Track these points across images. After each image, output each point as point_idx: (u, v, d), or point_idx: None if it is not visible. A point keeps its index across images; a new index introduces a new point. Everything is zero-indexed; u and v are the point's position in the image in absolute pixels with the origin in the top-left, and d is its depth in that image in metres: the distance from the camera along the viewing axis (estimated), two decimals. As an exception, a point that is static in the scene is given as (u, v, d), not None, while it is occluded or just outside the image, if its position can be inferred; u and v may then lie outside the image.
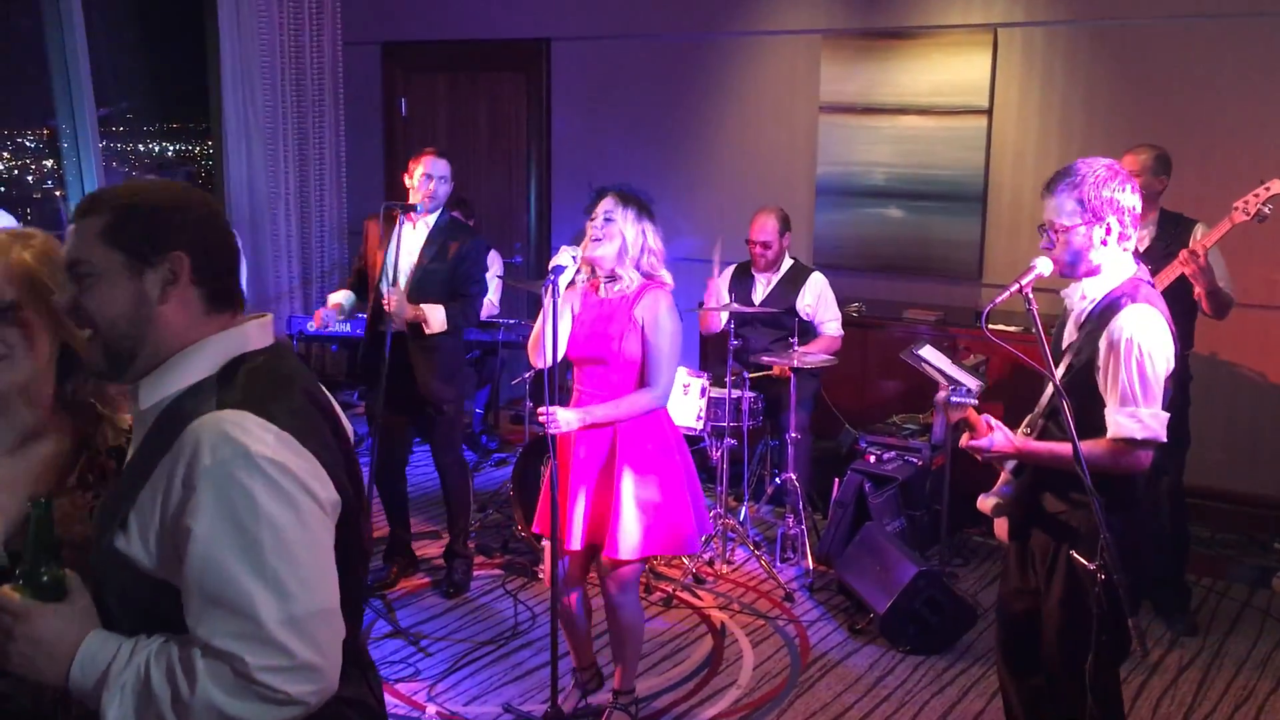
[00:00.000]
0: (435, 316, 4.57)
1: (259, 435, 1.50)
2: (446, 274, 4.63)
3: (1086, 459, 2.63)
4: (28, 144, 7.50)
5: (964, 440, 2.94)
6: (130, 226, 1.59)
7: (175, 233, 1.60)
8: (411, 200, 4.64)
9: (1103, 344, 2.74)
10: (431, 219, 4.69)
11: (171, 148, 8.33)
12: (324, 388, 1.77)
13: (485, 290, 4.96)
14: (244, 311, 1.70)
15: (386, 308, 4.51)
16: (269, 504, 1.48)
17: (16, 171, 7.08)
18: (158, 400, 1.60)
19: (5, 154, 7.33)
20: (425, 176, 4.61)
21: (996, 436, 2.87)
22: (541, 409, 3.45)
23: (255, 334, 1.67)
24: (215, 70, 7.28)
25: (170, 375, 1.61)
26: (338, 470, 1.61)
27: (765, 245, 5.37)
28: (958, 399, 2.90)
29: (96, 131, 6.67)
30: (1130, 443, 2.71)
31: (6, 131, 7.38)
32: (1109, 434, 2.73)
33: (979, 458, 2.92)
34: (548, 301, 3.38)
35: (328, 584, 1.55)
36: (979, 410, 2.92)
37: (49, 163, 7.27)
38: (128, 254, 1.58)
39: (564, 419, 3.45)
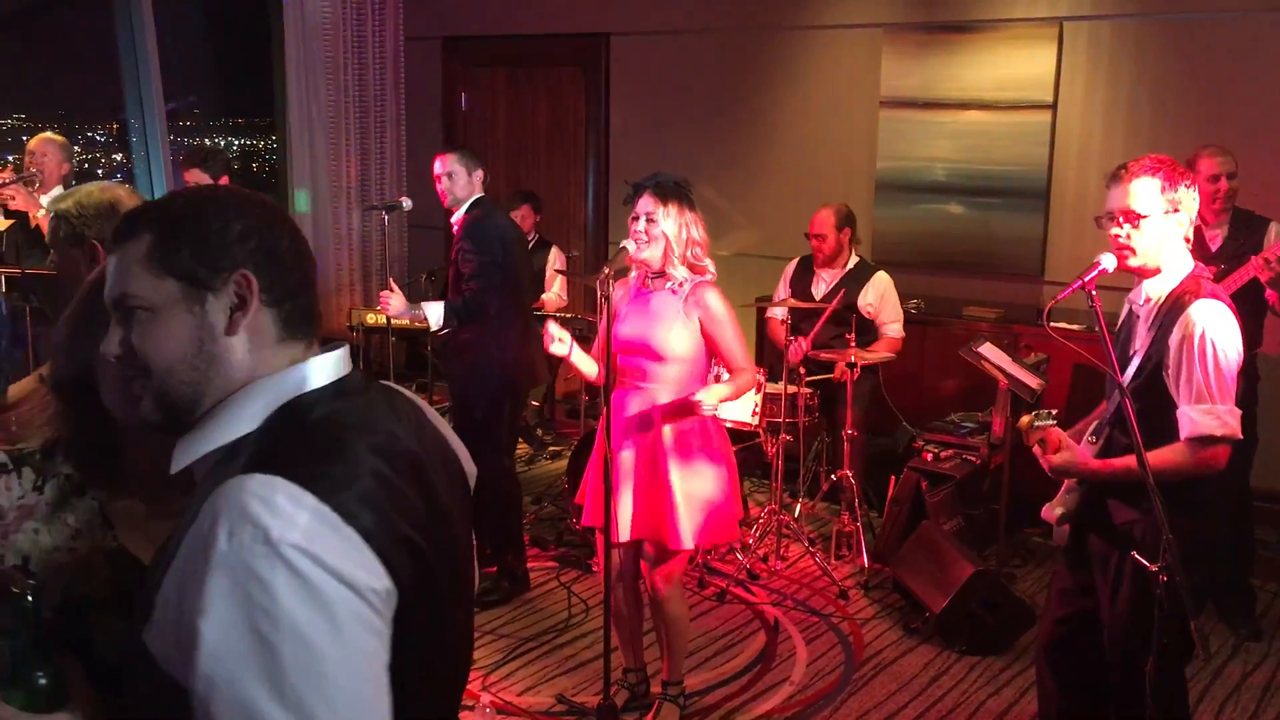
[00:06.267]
0: (432, 314, 4.45)
1: (288, 514, 1.18)
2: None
3: (1161, 465, 2.58)
4: (97, 138, 7.67)
5: (1039, 454, 2.92)
6: (181, 245, 1.31)
7: (235, 245, 1.32)
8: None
9: (1173, 342, 2.68)
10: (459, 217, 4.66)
11: (237, 142, 8.48)
12: (425, 416, 1.49)
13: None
14: (317, 337, 1.42)
15: (384, 312, 4.50)
16: (295, 608, 1.15)
17: (86, 165, 7.23)
18: (190, 463, 1.33)
19: (76, 148, 7.49)
20: (436, 178, 4.60)
21: (1064, 455, 2.84)
22: (695, 396, 3.40)
23: (318, 371, 1.36)
24: (279, 65, 7.40)
25: (209, 430, 1.32)
26: (398, 548, 1.26)
27: (820, 238, 5.36)
28: (1040, 423, 2.86)
29: (165, 126, 6.80)
30: (1208, 440, 2.65)
31: (77, 125, 7.55)
32: (1184, 433, 2.67)
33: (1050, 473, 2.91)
34: (604, 299, 3.39)
35: (369, 710, 1.21)
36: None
37: (118, 156, 7.43)
38: (183, 280, 1.31)
39: (709, 400, 3.40)
